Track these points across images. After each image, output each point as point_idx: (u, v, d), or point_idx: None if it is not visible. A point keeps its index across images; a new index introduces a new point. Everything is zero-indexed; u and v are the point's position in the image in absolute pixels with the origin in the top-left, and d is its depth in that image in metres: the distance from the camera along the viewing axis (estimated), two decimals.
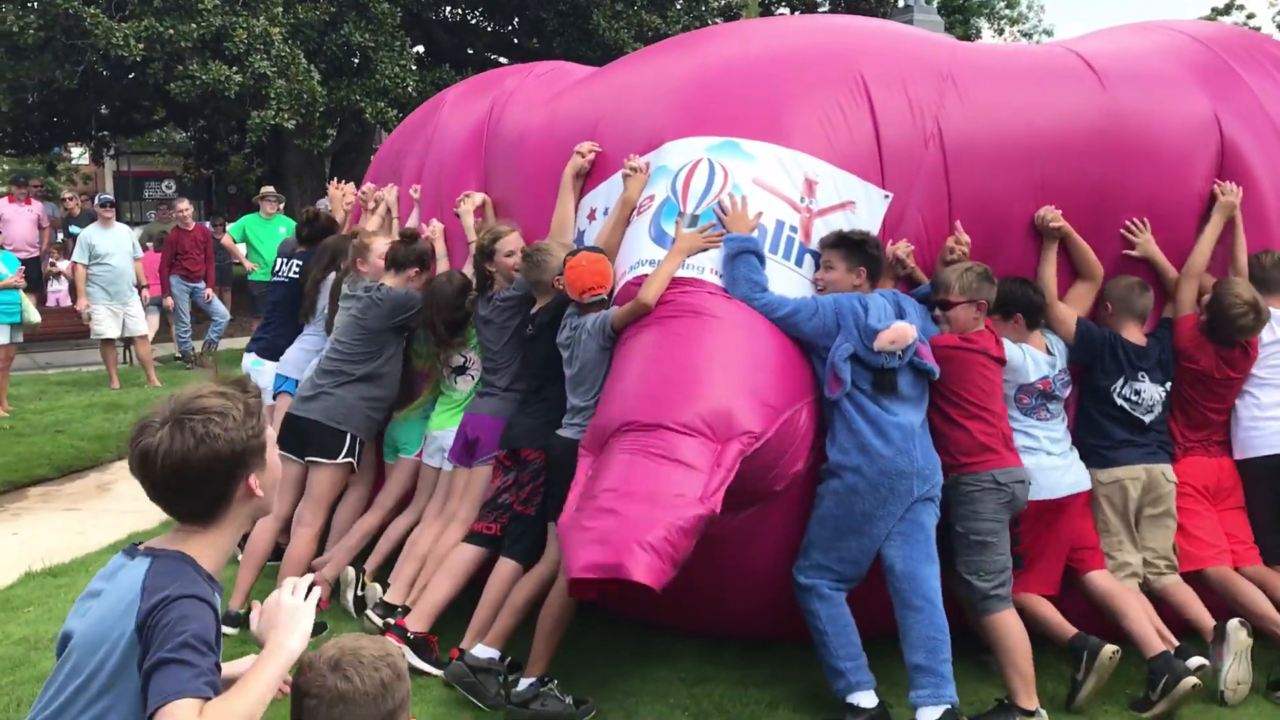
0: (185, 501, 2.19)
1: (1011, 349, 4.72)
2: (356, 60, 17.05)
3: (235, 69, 14.53)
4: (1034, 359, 4.76)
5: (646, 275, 4.54)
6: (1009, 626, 4.34)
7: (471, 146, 6.07)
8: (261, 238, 13.11)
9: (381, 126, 18.31)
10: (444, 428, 5.48)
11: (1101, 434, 4.87)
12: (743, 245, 4.48)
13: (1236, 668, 4.54)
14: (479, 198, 5.72)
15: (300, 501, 5.56)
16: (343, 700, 2.04)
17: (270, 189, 13.64)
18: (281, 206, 14.32)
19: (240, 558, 5.47)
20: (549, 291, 4.95)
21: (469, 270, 5.53)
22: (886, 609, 4.33)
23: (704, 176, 4.71)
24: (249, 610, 5.22)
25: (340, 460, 5.36)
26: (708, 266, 4.54)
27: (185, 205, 13.64)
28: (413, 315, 5.46)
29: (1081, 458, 4.83)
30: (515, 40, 21.16)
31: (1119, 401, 4.86)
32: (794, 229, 4.68)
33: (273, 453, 2.30)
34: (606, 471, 4.07)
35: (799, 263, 4.67)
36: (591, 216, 5.17)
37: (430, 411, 5.63)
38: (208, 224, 16.85)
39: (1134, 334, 4.92)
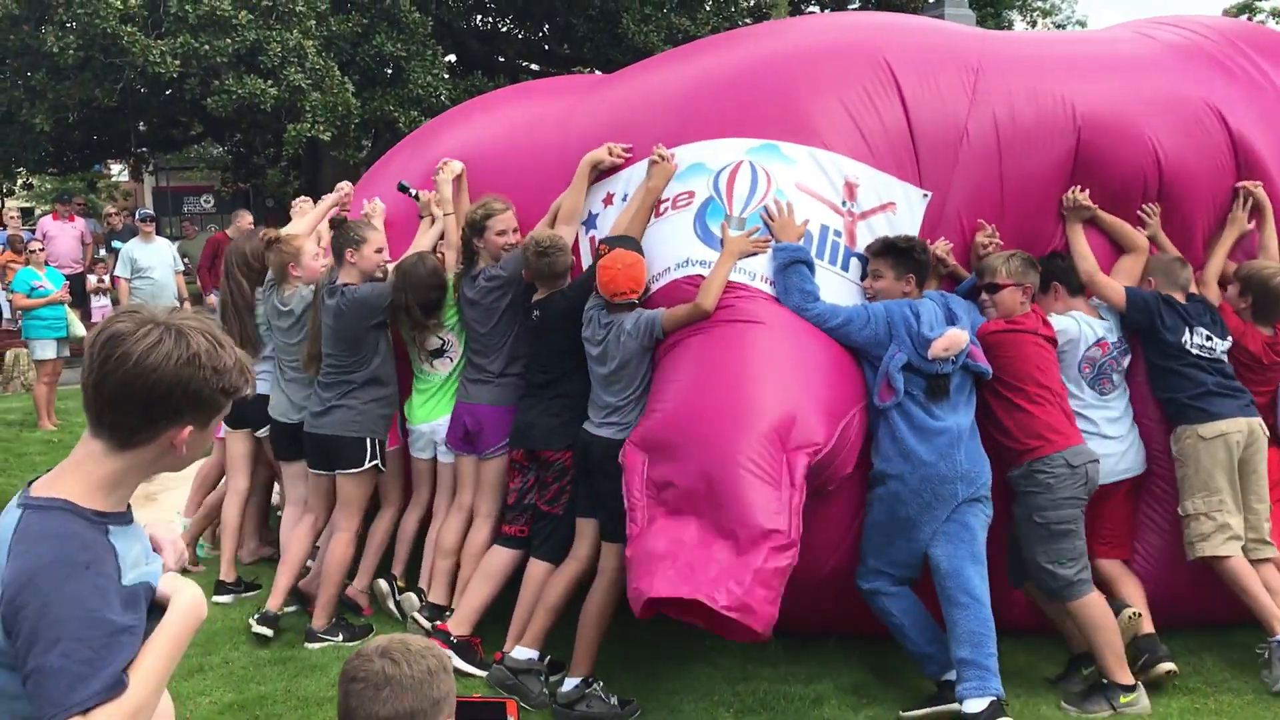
0: (119, 412, 1.98)
1: (1061, 319, 4.73)
2: (389, 71, 17.20)
3: (270, 82, 14.71)
4: (1087, 323, 4.75)
5: (698, 275, 4.55)
6: (1096, 606, 4.43)
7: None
8: None
9: None
10: (430, 420, 5.43)
11: (1191, 385, 4.75)
12: (793, 255, 4.51)
13: None
14: (457, 166, 5.60)
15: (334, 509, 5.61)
16: (389, 683, 2.02)
17: (304, 198, 13.72)
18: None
19: (279, 562, 5.56)
20: (555, 284, 4.91)
21: (430, 237, 5.51)
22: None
23: (747, 179, 4.73)
24: (284, 608, 5.26)
25: (367, 466, 5.37)
26: (759, 273, 4.57)
27: (247, 217, 13.67)
28: (385, 309, 5.32)
29: (1172, 419, 4.78)
30: (546, 47, 21.24)
31: (1195, 351, 4.77)
32: (838, 233, 4.71)
33: (215, 429, 2.15)
34: (687, 489, 4.06)
35: (845, 267, 4.71)
36: (609, 201, 5.12)
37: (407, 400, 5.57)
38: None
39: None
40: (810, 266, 4.53)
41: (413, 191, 5.73)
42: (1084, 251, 4.86)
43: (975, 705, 4.11)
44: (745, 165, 4.77)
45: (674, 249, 4.74)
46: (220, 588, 6.05)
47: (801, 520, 3.93)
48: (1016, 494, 4.55)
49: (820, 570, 4.49)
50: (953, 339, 4.41)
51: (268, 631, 5.34)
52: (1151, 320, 4.78)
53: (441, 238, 5.55)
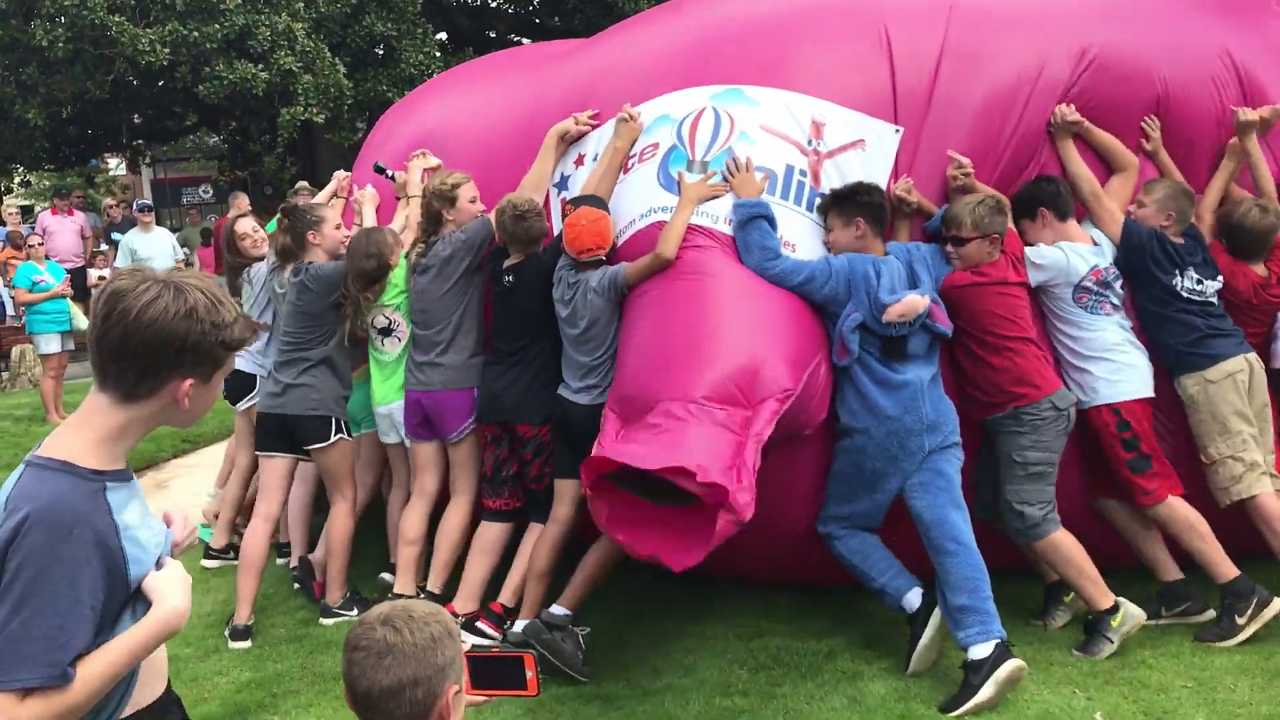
0: (121, 365, 2.05)
1: (1048, 252, 4.64)
2: (380, 51, 17.12)
3: (261, 67, 14.65)
4: (1078, 253, 4.65)
5: (661, 221, 4.52)
6: (1063, 543, 4.44)
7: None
8: None
9: None
10: (390, 401, 5.39)
11: (1186, 331, 4.67)
12: (752, 211, 4.43)
13: None
14: (434, 160, 5.60)
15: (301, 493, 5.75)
16: (391, 651, 1.97)
17: (304, 184, 13.70)
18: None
19: (238, 566, 5.46)
20: (530, 249, 4.86)
21: (401, 218, 5.52)
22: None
23: (710, 124, 4.70)
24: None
25: (334, 439, 5.30)
26: (722, 215, 4.51)
27: (245, 200, 13.66)
28: (340, 284, 5.27)
29: (1172, 367, 4.72)
30: (537, 20, 21.11)
31: (1185, 295, 4.69)
32: (803, 173, 4.64)
33: (218, 384, 2.20)
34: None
35: (809, 207, 4.62)
36: (580, 162, 5.10)
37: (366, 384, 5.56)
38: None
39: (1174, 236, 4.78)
40: (771, 221, 4.45)
41: (389, 173, 5.73)
42: (1082, 172, 4.72)
43: (981, 651, 4.09)
44: (708, 111, 4.73)
45: (639, 199, 4.71)
46: (209, 553, 6.27)
47: (753, 472, 3.85)
48: (997, 434, 4.52)
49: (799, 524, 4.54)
50: (909, 305, 4.30)
51: (242, 644, 5.19)
52: (1144, 261, 4.70)
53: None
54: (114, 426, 2.09)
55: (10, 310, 13.91)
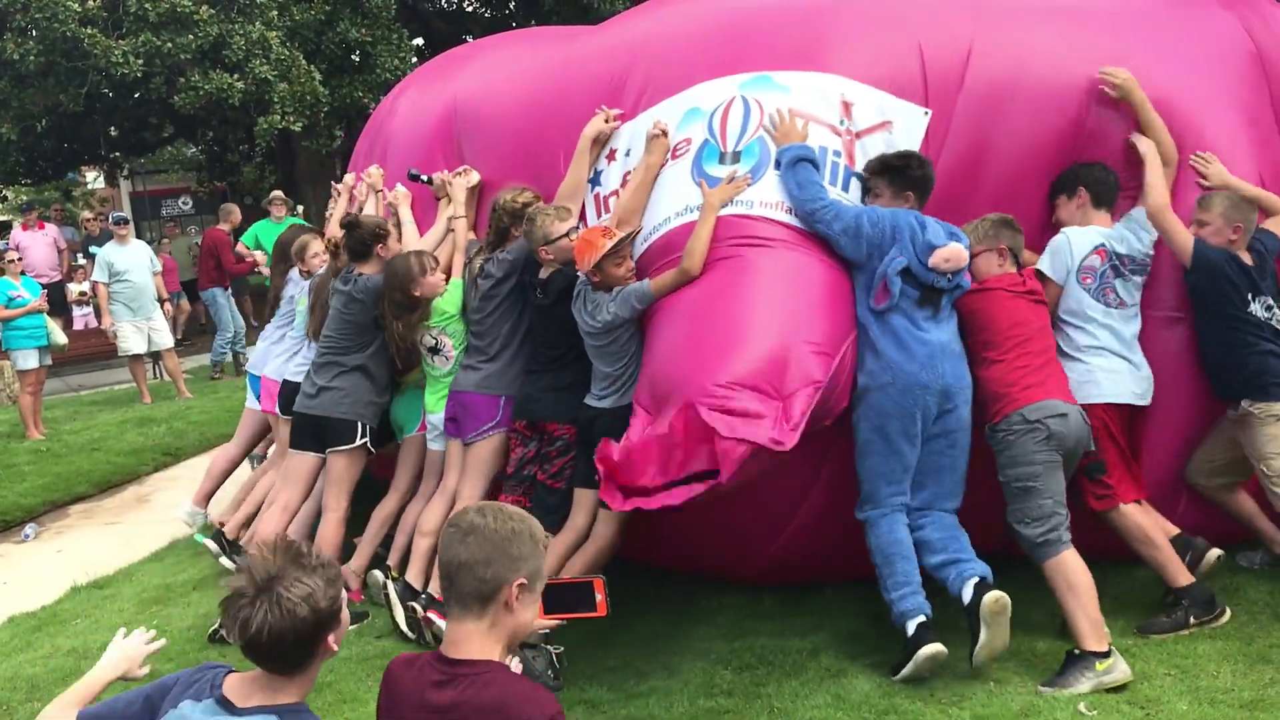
0: (277, 660, 2.30)
1: (1055, 240, 4.66)
2: (356, 57, 17.05)
3: (236, 76, 14.58)
4: (1082, 236, 4.60)
5: (683, 225, 4.52)
6: (1069, 567, 4.21)
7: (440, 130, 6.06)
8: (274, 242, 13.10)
9: None
10: (437, 411, 5.47)
11: (1256, 358, 4.54)
12: (798, 153, 4.47)
13: None
14: (475, 176, 5.61)
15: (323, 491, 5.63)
16: (474, 532, 2.28)
17: (279, 193, 13.65)
18: (300, 210, 14.34)
19: None
20: (553, 258, 4.88)
21: (441, 225, 5.54)
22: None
23: (740, 114, 4.71)
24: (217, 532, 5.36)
25: (357, 444, 5.40)
26: (755, 201, 4.51)
27: (236, 211, 13.57)
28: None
29: (1231, 392, 4.61)
30: (514, 24, 21.08)
31: (1262, 317, 4.58)
32: (838, 153, 4.64)
33: (345, 613, 2.41)
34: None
35: (845, 187, 4.62)
36: (611, 157, 5.09)
37: (418, 389, 5.64)
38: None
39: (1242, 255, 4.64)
40: (816, 165, 4.48)
41: (424, 177, 5.74)
42: (1157, 181, 4.57)
43: (965, 592, 4.14)
44: (737, 100, 4.73)
45: (674, 196, 4.70)
46: (220, 540, 6.21)
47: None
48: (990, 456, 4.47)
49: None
50: (955, 252, 4.35)
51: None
52: (1220, 284, 4.55)
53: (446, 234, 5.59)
54: (296, 689, 2.37)
55: None
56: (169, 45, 14.30)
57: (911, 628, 4.19)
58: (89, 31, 13.96)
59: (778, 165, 4.53)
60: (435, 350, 5.46)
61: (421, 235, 5.72)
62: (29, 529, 7.96)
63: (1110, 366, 4.59)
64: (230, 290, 13.28)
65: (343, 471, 5.45)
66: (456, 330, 5.41)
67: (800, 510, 4.65)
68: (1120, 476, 4.55)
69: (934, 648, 4.13)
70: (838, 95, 4.69)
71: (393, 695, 2.39)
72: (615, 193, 4.95)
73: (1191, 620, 4.46)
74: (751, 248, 4.41)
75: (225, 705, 2.32)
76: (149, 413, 11.11)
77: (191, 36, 14.39)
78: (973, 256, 4.49)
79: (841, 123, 4.68)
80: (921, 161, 4.55)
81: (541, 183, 5.26)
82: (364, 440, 5.41)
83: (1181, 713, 3.79)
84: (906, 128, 4.68)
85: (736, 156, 4.63)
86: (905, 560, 4.30)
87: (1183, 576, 4.48)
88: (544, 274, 4.96)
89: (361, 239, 5.42)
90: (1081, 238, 4.62)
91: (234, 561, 6.16)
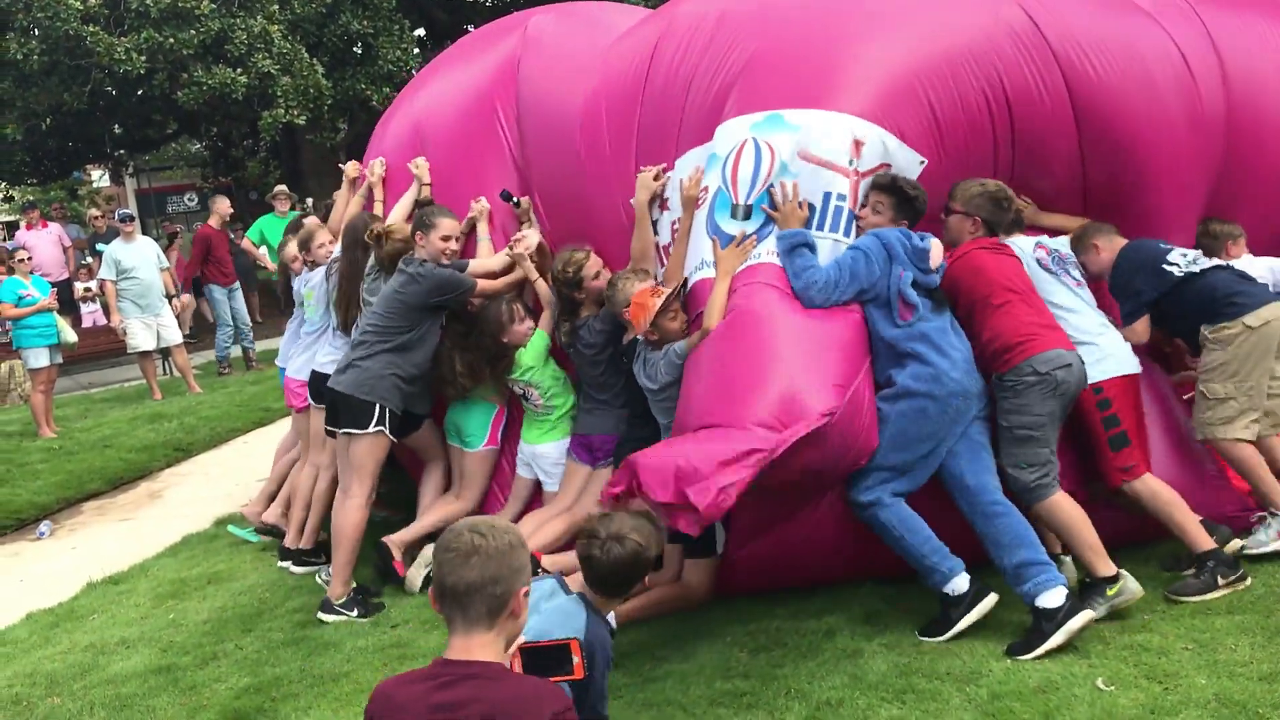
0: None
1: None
2: (358, 49, 17.06)
3: (239, 70, 14.58)
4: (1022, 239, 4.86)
5: (710, 280, 4.63)
6: (1060, 507, 4.43)
7: (484, 117, 6.05)
8: (279, 237, 13.11)
9: None
10: (535, 443, 5.57)
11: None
12: (794, 240, 4.56)
13: None
14: (534, 239, 5.60)
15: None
16: (477, 552, 2.36)
17: (282, 188, 13.67)
18: (308, 203, 14.33)
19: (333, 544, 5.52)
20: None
21: (498, 260, 5.59)
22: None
23: (750, 159, 4.71)
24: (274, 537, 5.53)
25: (371, 430, 5.34)
26: (764, 251, 4.62)
27: (226, 204, 13.63)
28: (452, 298, 5.42)
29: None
30: (516, 12, 21.03)
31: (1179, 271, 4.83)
32: (842, 196, 4.71)
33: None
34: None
35: (848, 232, 4.71)
36: (664, 206, 5.17)
37: (487, 403, 5.72)
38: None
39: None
40: (812, 249, 4.59)
41: (515, 199, 5.74)
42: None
43: (1052, 599, 4.16)
44: (749, 145, 4.74)
45: (694, 248, 4.84)
46: (287, 554, 6.16)
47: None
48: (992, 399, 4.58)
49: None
50: (939, 246, 4.57)
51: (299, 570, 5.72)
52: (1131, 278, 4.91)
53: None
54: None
55: None
56: (171, 41, 14.31)
57: (963, 583, 4.33)
58: (91, 29, 13.98)
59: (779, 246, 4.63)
60: (525, 398, 5.60)
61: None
62: (44, 526, 7.99)
63: (1116, 339, 4.73)
64: (237, 285, 13.32)
65: (363, 456, 5.38)
66: (539, 380, 5.51)
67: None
68: (1141, 446, 4.64)
69: (993, 598, 4.31)
70: (849, 133, 4.71)
71: (390, 707, 2.39)
72: (667, 247, 5.09)
73: (1220, 580, 4.46)
74: (760, 289, 4.52)
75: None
76: (160, 409, 11.14)
77: (193, 32, 14.40)
78: (953, 212, 4.74)
79: (850, 162, 4.71)
80: (925, 200, 4.71)
81: (606, 183, 5.38)
82: (379, 428, 5.34)
83: (1200, 686, 3.77)
84: (901, 171, 4.79)
85: (748, 212, 4.69)
86: (925, 526, 4.42)
87: (1205, 541, 4.52)
88: (626, 339, 5.09)
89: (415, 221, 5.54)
90: (1024, 242, 4.87)
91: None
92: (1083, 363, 4.52)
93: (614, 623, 3.62)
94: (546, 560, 5.03)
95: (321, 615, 5.33)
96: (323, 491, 6.10)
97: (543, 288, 5.54)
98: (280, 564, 6.20)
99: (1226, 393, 4.74)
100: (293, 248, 6.65)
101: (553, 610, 3.27)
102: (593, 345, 5.30)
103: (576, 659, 2.48)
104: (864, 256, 4.51)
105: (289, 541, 6.21)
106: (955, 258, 4.68)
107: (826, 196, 4.69)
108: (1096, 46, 4.92)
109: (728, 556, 4.81)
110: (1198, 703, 3.66)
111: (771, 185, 4.67)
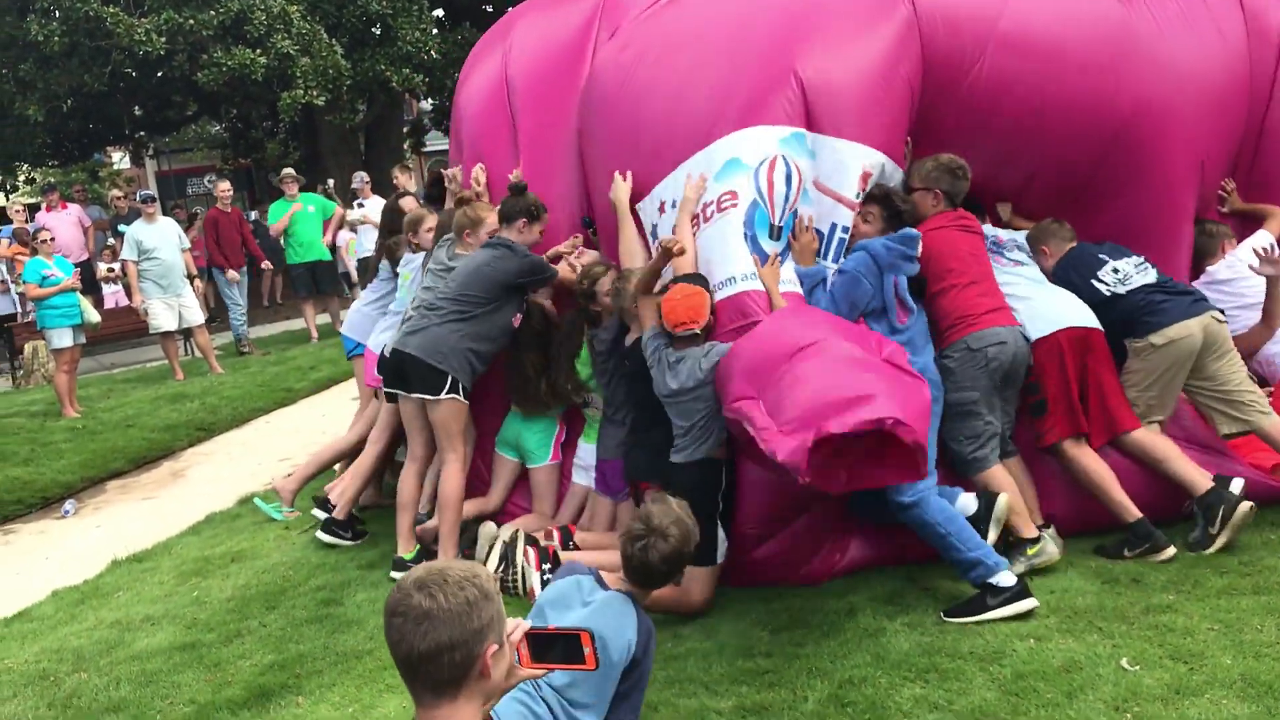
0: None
1: None
2: (377, 30, 17.02)
3: (259, 51, 14.58)
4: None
5: (751, 292, 4.66)
6: (995, 478, 4.72)
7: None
8: (295, 219, 13.22)
9: (409, 94, 18.30)
10: (591, 442, 5.60)
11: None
12: (814, 279, 4.80)
13: None
14: (592, 257, 5.61)
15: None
16: (428, 618, 2.03)
17: (289, 170, 13.75)
18: (329, 184, 14.40)
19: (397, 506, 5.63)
20: (636, 319, 4.97)
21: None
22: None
23: (782, 178, 4.78)
24: (417, 553, 5.38)
25: (445, 396, 5.31)
26: (789, 279, 4.76)
27: (225, 186, 13.73)
28: (538, 281, 5.44)
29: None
30: None
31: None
32: (845, 229, 4.90)
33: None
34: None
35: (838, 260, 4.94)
36: (662, 209, 5.15)
37: (550, 419, 5.74)
38: (253, 213, 17.09)
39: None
40: (824, 282, 4.80)
41: (594, 228, 5.77)
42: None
43: (1005, 579, 4.30)
44: (780, 161, 4.77)
45: (726, 259, 4.76)
46: (330, 525, 6.16)
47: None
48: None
49: None
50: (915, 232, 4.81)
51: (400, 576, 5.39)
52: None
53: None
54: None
55: (19, 308, 13.95)
56: (191, 22, 14.34)
57: (1009, 579, 4.32)
58: (111, 10, 14.01)
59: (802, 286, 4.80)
60: (585, 404, 5.62)
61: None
62: (68, 505, 8.06)
63: (1049, 297, 5.02)
64: (243, 269, 13.44)
65: (445, 420, 5.34)
66: (596, 385, 5.52)
67: None
68: (1065, 412, 4.87)
69: (1035, 603, 4.31)
70: (859, 167, 4.84)
71: None
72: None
73: (1126, 552, 4.72)
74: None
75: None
76: (182, 389, 11.21)
77: (213, 12, 14.43)
78: (913, 190, 4.98)
79: (857, 195, 4.89)
80: (914, 212, 4.97)
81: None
82: (451, 395, 5.29)
83: (1226, 667, 3.75)
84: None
85: (779, 233, 4.78)
86: (966, 522, 4.48)
87: (1130, 514, 4.74)
88: (629, 340, 5.08)
89: (516, 207, 5.47)
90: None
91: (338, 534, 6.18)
92: (1025, 340, 4.78)
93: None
94: (580, 537, 5.20)
95: (394, 574, 5.45)
96: (368, 465, 6.16)
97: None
98: (322, 535, 6.17)
99: (1133, 398, 4.97)
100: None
101: (602, 606, 3.36)
102: (600, 354, 5.35)
103: (588, 649, 2.26)
104: (855, 279, 4.68)
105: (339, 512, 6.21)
106: (929, 229, 4.87)
107: (832, 228, 4.90)
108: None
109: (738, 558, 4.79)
110: (1223, 683, 3.65)
111: (797, 210, 4.80)
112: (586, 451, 5.61)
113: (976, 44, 5.04)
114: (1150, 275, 5.05)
